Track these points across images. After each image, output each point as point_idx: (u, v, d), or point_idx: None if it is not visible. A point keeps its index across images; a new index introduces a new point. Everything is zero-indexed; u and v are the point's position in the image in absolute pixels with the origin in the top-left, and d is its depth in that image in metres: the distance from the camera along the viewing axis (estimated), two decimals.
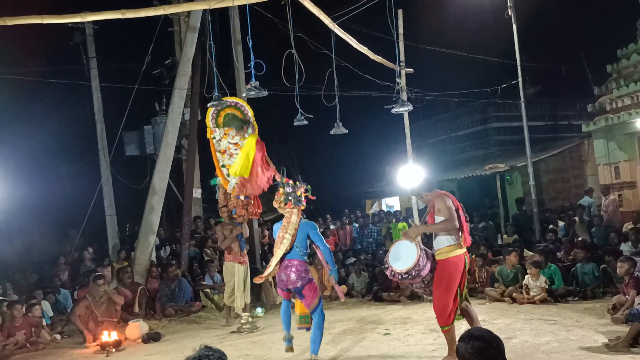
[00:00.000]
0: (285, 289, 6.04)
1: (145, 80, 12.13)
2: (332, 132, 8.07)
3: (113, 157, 12.74)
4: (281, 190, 6.17)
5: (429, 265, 5.59)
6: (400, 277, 5.61)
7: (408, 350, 6.46)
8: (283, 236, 5.99)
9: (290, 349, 6.28)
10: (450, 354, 5.50)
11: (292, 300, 6.31)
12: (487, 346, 2.44)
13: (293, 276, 5.90)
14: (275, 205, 6.24)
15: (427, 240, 5.93)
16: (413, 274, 5.52)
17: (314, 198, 6.32)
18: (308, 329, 6.12)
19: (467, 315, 5.79)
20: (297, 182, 6.28)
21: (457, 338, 5.05)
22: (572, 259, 9.34)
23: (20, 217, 13.02)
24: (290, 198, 6.08)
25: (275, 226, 6.29)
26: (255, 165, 7.27)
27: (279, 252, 5.98)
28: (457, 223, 5.57)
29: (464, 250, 5.70)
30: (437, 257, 5.65)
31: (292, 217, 6.05)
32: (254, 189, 7.45)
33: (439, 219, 5.65)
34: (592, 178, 14.05)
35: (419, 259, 5.50)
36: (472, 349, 2.44)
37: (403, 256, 5.60)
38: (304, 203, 6.20)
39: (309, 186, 6.27)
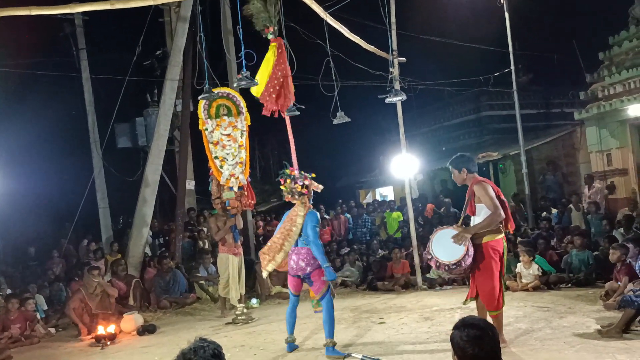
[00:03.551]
0: (295, 275, 6.09)
1: (136, 72, 12.03)
2: (335, 121, 7.98)
3: (105, 149, 12.67)
4: (288, 181, 6.13)
5: (472, 252, 5.41)
6: (447, 267, 5.41)
7: (402, 338, 6.48)
8: (290, 229, 6.00)
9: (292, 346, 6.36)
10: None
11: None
12: (481, 334, 2.45)
13: (302, 263, 5.99)
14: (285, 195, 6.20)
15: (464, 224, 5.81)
16: (463, 265, 5.36)
17: (318, 188, 6.21)
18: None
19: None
20: (302, 172, 6.20)
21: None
22: (565, 246, 9.42)
23: (12, 210, 12.94)
24: (293, 191, 6.06)
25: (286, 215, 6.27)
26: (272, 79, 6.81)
27: (285, 246, 6.00)
28: (502, 214, 5.38)
29: (503, 234, 5.54)
30: (475, 241, 5.45)
31: (299, 208, 6.06)
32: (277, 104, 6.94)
33: (479, 206, 5.49)
34: (585, 165, 14.10)
35: (468, 249, 5.34)
36: (467, 337, 2.45)
37: (447, 245, 5.40)
38: (310, 192, 6.15)
39: (314, 174, 6.23)
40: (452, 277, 5.97)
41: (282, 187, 6.21)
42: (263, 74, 6.84)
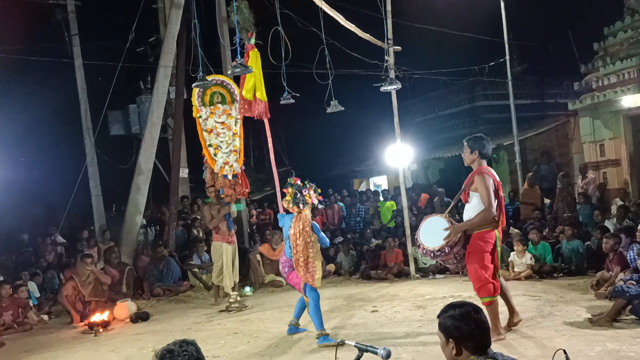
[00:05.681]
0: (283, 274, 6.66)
1: (129, 58, 11.92)
2: (328, 110, 7.97)
3: (98, 136, 12.56)
4: (290, 189, 6.12)
5: (461, 241, 5.44)
6: (432, 254, 5.51)
7: (395, 326, 6.52)
8: (309, 240, 6.09)
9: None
10: (494, 330, 5.21)
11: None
12: (471, 310, 2.49)
13: (279, 267, 6.66)
14: (284, 204, 6.28)
15: (459, 217, 5.84)
16: (446, 251, 5.41)
17: (321, 199, 6.35)
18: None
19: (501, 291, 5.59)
20: (306, 182, 6.20)
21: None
22: (557, 236, 9.47)
23: (5, 197, 12.87)
24: (298, 201, 6.07)
25: (286, 219, 6.36)
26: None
27: (313, 254, 6.06)
28: (494, 211, 5.33)
29: (495, 227, 5.49)
30: (466, 232, 5.46)
31: (306, 214, 6.12)
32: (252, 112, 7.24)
33: (474, 195, 5.45)
34: (578, 156, 14.17)
35: (451, 237, 5.38)
36: (459, 315, 2.47)
37: (434, 233, 5.46)
38: (313, 203, 6.23)
39: (319, 190, 6.27)
40: (449, 267, 6.06)
41: (287, 198, 6.14)
42: (254, 80, 7.01)
